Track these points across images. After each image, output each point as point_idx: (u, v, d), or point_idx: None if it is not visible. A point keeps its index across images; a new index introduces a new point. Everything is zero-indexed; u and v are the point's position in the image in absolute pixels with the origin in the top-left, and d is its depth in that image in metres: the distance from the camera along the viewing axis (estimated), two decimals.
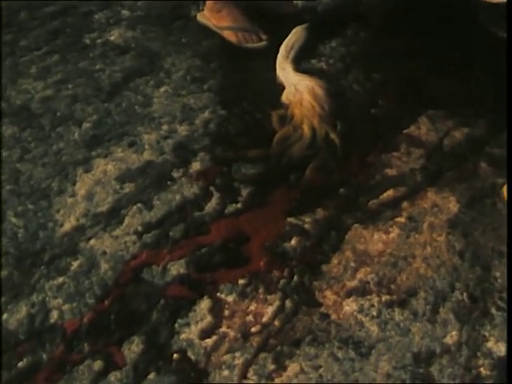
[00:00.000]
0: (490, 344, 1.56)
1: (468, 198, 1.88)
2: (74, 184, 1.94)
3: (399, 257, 1.75)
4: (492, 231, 1.79)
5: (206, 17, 2.46)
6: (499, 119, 2.10)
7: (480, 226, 1.81)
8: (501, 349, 1.55)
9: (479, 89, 2.19)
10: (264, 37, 2.41)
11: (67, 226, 1.84)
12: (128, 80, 2.27)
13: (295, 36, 2.38)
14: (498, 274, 1.70)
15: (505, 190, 1.86)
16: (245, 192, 1.93)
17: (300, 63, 2.29)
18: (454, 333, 1.58)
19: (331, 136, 2.03)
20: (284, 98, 2.16)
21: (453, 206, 1.86)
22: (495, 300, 1.65)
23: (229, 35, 2.44)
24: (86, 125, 2.11)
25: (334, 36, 2.43)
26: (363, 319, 1.62)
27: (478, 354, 1.54)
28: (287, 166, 1.98)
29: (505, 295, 1.65)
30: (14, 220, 1.85)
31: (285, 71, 2.24)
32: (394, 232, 1.81)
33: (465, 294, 1.65)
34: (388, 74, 2.27)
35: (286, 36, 2.38)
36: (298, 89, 2.16)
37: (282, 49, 2.33)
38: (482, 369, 1.51)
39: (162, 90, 2.23)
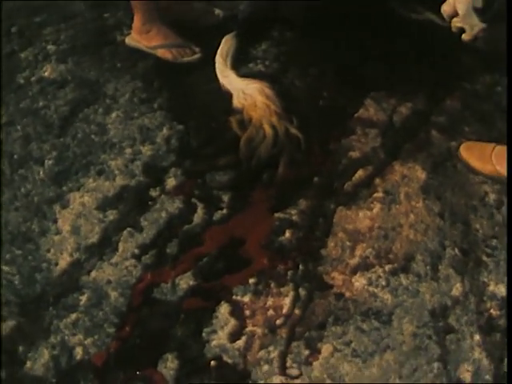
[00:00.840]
0: (491, 288, 1.72)
1: (431, 164, 2.04)
2: (56, 222, 1.91)
3: (388, 228, 1.87)
4: (460, 190, 1.96)
5: (136, 39, 2.47)
6: (435, 90, 2.29)
7: (448, 187, 1.97)
8: (501, 290, 1.71)
9: (409, 67, 2.36)
10: (197, 49, 2.46)
11: (63, 264, 1.81)
12: (76, 112, 2.24)
13: (227, 45, 2.45)
14: (477, 226, 1.86)
15: (461, 150, 2.03)
16: (226, 198, 1.98)
17: (239, 69, 2.37)
18: (457, 285, 1.72)
19: (292, 131, 2.12)
20: (236, 103, 2.23)
21: (420, 174, 2.01)
22: (483, 249, 1.81)
23: (163, 53, 2.47)
24: (48, 162, 2.07)
25: (262, 39, 2.52)
26: (375, 290, 1.73)
27: (484, 298, 1.69)
28: (258, 167, 2.05)
29: (489, 242, 1.82)
30: (5, 268, 1.80)
31: (228, 78, 2.31)
32: (376, 207, 1.93)
33: (456, 250, 1.80)
34: (324, 66, 2.39)
35: (217, 46, 2.44)
36: (247, 92, 2.23)
37: (218, 58, 2.39)
38: (492, 310, 1.66)
39: (114, 115, 2.23)
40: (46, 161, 2.08)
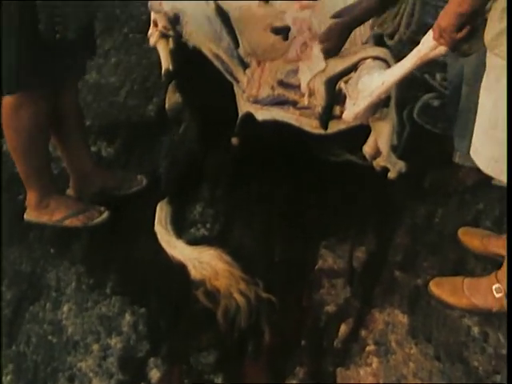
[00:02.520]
0: None
1: (407, 306, 2.06)
2: None
3: (393, 382, 1.84)
4: (444, 327, 1.99)
5: (36, 215, 2.34)
6: (381, 230, 2.36)
7: (433, 327, 1.99)
8: None
9: (346, 209, 2.43)
10: (102, 208, 2.38)
11: None
12: (20, 312, 2.01)
13: (162, 212, 2.37)
14: (476, 364, 1.89)
15: (432, 287, 2.08)
16: (219, 379, 1.84)
17: (182, 236, 2.29)
18: None
19: (263, 295, 2.06)
20: (195, 274, 2.12)
21: (402, 318, 2.02)
22: None
23: (72, 222, 2.35)
24: (6, 379, 1.81)
25: (195, 201, 2.47)
26: None
27: None
28: (241, 339, 1.95)
29: (494, 379, 1.84)
30: None
31: (177, 249, 2.21)
32: (374, 361, 1.89)
33: None
34: (265, 220, 2.38)
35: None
36: (204, 261, 2.15)
37: (159, 228, 2.30)
38: None
39: (65, 309, 2.02)
40: (3, 377, 1.82)
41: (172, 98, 2.73)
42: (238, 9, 2.49)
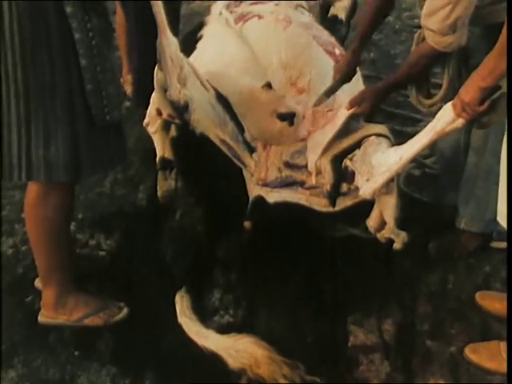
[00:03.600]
0: None
1: (449, 374, 2.10)
2: None
3: None
4: None
5: (53, 315, 2.23)
6: (402, 300, 2.39)
7: None
8: None
9: (362, 282, 2.46)
10: (121, 304, 2.32)
11: None
12: None
13: (182, 304, 2.30)
14: None
15: (468, 353, 2.12)
16: None
17: (208, 325, 2.24)
18: None
19: (307, 378, 2.03)
20: (234, 364, 2.07)
21: None
22: None
23: (92, 321, 2.26)
24: None
25: (211, 288, 2.44)
26: None
27: None
28: None
29: None
30: None
31: (210, 339, 2.16)
32: None
33: None
34: (286, 299, 2.38)
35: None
36: (240, 349, 2.11)
37: (183, 318, 2.24)
38: None
39: None
40: None
41: (164, 186, 2.72)
42: (238, 93, 2.53)
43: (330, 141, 2.35)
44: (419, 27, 2.30)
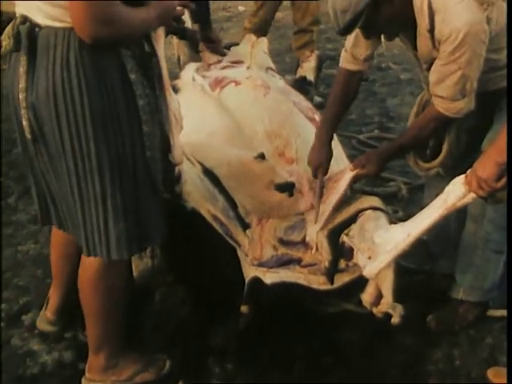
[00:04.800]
0: None
1: None
2: None
3: None
4: None
5: (101, 377, 2.11)
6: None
7: None
8: None
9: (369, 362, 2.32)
10: (164, 356, 2.25)
11: None
12: None
13: None
14: None
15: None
16: None
17: None
18: None
19: None
20: None
21: None
22: None
23: (143, 377, 2.17)
24: None
25: (208, 378, 2.23)
26: None
27: None
28: None
29: None
30: None
31: None
32: None
33: None
34: None
35: None
36: None
37: None
38: None
39: None
40: None
41: (140, 265, 2.53)
42: (226, 166, 2.38)
43: (333, 208, 2.25)
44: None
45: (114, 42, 1.76)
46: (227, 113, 2.58)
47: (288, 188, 2.41)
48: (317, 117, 2.73)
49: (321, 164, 2.35)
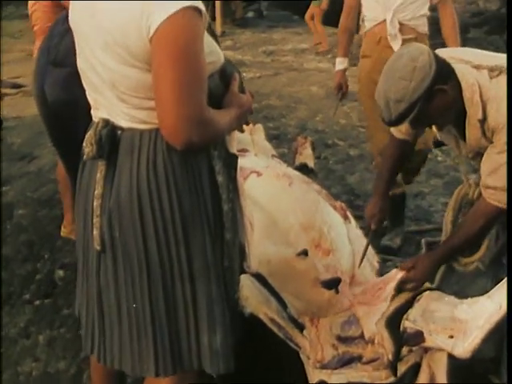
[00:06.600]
0: None
1: None
2: None
3: None
4: None
5: None
6: None
7: None
8: None
9: None
10: None
11: None
12: None
13: None
14: None
15: None
16: None
17: None
18: None
19: None
20: None
21: None
22: None
23: None
24: None
25: None
26: None
27: None
28: None
29: None
30: None
31: None
32: None
33: None
34: None
35: None
36: None
37: None
38: None
39: None
40: None
41: None
42: (266, 264, 2.26)
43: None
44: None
45: (204, 146, 1.64)
46: (257, 206, 2.47)
47: (335, 284, 2.32)
48: (337, 204, 2.68)
49: (374, 215, 2.45)
